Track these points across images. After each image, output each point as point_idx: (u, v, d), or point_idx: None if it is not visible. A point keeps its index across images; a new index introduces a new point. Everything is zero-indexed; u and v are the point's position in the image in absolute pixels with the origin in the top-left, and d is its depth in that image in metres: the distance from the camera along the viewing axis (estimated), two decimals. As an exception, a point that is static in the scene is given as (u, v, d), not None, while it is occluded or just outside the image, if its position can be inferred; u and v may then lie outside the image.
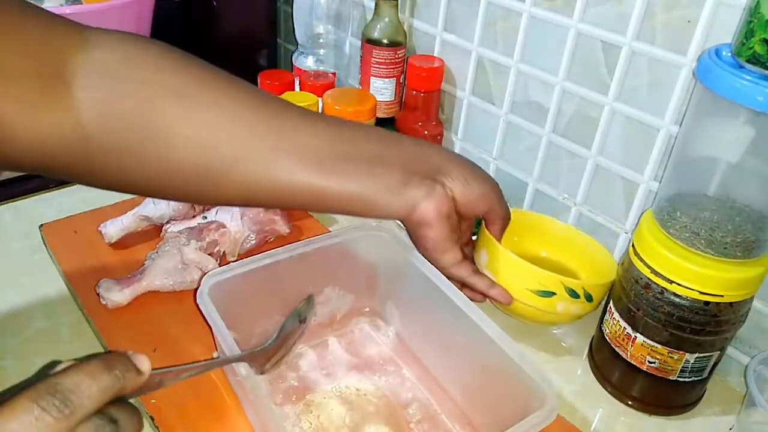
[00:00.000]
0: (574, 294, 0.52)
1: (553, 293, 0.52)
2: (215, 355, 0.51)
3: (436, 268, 0.47)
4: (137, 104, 0.38)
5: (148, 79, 0.39)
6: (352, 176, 0.43)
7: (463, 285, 0.50)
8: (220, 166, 0.40)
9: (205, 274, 0.48)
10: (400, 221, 0.47)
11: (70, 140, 0.37)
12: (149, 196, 0.41)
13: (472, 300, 0.45)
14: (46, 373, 0.28)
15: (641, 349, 0.49)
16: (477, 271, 0.51)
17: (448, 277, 0.47)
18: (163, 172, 0.40)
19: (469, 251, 0.53)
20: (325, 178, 0.43)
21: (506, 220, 0.53)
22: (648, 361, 0.49)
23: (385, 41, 0.72)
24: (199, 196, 0.43)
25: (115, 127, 0.38)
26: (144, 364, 0.31)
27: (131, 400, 0.31)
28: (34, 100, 0.35)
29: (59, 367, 0.28)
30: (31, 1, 0.37)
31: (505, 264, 0.52)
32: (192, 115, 0.39)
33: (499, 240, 0.53)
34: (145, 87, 0.39)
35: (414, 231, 0.47)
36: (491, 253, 0.53)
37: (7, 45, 0.34)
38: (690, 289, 0.45)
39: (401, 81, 0.74)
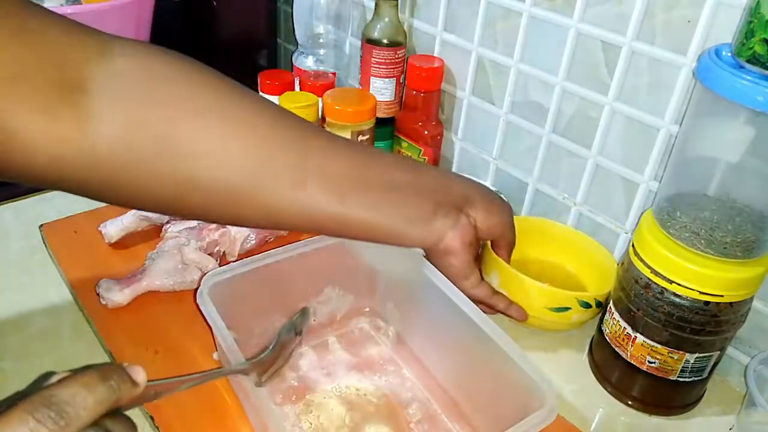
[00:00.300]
0: (587, 305, 0.54)
1: (568, 308, 0.54)
2: (215, 356, 0.51)
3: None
4: (162, 117, 0.37)
5: (174, 91, 0.38)
6: (380, 206, 0.43)
7: (479, 303, 0.51)
8: (243, 187, 0.39)
9: (205, 274, 0.48)
10: (424, 249, 0.48)
11: (89, 151, 0.35)
12: (165, 213, 0.40)
13: (485, 313, 0.46)
14: (41, 384, 0.27)
15: (641, 349, 0.49)
16: (495, 292, 0.52)
17: (469, 299, 0.47)
18: (184, 189, 0.38)
19: (477, 266, 0.54)
20: (352, 206, 0.42)
21: (513, 244, 0.55)
22: (648, 361, 0.49)
23: (385, 41, 0.72)
24: (219, 216, 0.42)
25: (138, 140, 0.37)
26: (139, 375, 0.31)
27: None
28: (53, 109, 0.34)
29: (54, 379, 0.28)
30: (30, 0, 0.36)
31: (519, 286, 0.54)
32: (219, 131, 0.38)
33: (507, 262, 0.55)
34: (171, 99, 0.38)
35: (439, 259, 0.48)
36: (503, 275, 0.54)
37: (27, 52, 0.33)
38: (690, 289, 0.45)
39: (401, 81, 0.74)
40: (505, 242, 0.54)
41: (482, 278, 0.51)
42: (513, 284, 0.54)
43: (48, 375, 0.29)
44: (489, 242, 0.55)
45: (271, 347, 0.44)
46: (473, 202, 0.49)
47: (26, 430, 0.25)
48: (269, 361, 0.43)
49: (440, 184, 0.48)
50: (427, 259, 0.49)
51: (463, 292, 0.47)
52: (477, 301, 0.49)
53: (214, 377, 0.39)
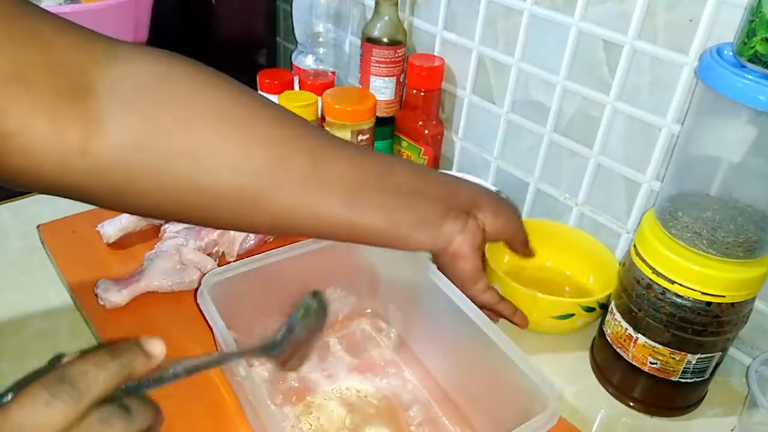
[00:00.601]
0: (591, 309, 0.54)
1: (572, 314, 0.54)
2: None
3: (466, 296, 0.47)
4: (174, 121, 0.36)
5: (186, 95, 0.37)
6: (389, 210, 0.43)
7: (484, 308, 0.51)
8: (254, 190, 0.39)
9: (204, 274, 0.47)
10: (433, 254, 0.48)
11: (96, 156, 0.35)
12: (174, 219, 0.39)
13: (490, 319, 0.46)
14: (53, 365, 0.29)
15: (643, 350, 0.49)
16: (502, 298, 0.52)
17: (476, 305, 0.47)
18: (194, 193, 0.38)
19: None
20: (362, 211, 0.42)
21: (527, 240, 0.55)
22: (650, 362, 0.49)
23: (385, 40, 0.72)
24: (227, 222, 0.41)
25: (147, 144, 0.36)
26: (156, 347, 0.32)
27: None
28: (57, 111, 0.33)
29: (66, 359, 0.30)
30: (28, 1, 0.36)
31: (522, 298, 0.54)
32: (231, 135, 0.38)
33: (531, 255, 0.54)
34: (183, 103, 0.37)
35: (448, 264, 0.48)
36: (506, 288, 0.55)
37: (27, 53, 0.33)
38: (692, 289, 0.45)
39: (401, 80, 0.74)
40: (519, 242, 0.53)
41: (491, 286, 0.51)
42: (515, 296, 0.54)
43: (59, 357, 0.30)
44: (488, 255, 0.55)
45: (281, 333, 0.42)
46: (481, 205, 0.49)
47: (42, 404, 0.27)
48: (287, 346, 0.41)
49: (448, 188, 0.48)
50: (436, 264, 0.49)
51: (471, 297, 0.47)
52: (484, 307, 0.48)
53: (233, 359, 0.39)
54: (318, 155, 0.41)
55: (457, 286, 0.48)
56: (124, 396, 0.30)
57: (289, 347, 0.41)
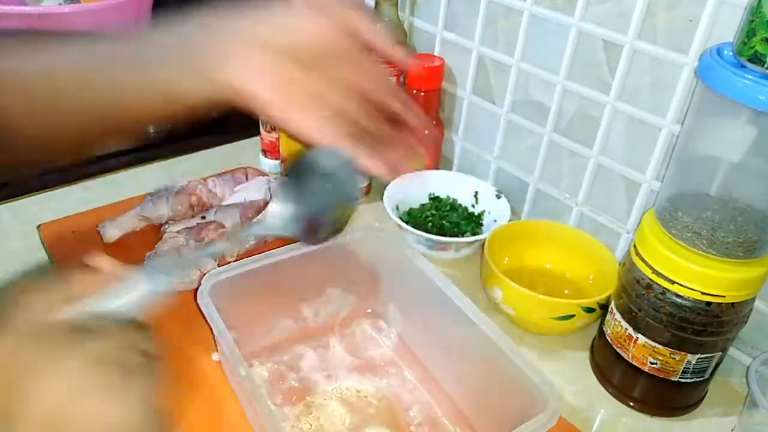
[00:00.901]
0: (591, 310, 0.54)
1: (573, 315, 0.54)
2: (215, 356, 0.51)
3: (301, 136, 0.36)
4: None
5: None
6: (136, 66, 0.37)
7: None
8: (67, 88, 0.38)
9: (204, 274, 0.47)
10: (223, 103, 0.37)
11: None
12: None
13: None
14: None
15: (643, 350, 0.49)
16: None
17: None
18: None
19: (423, 123, 0.41)
20: (101, 76, 0.38)
21: (373, 26, 0.38)
22: (650, 362, 0.49)
23: (385, 40, 0.72)
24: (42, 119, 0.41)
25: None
26: (98, 260, 0.31)
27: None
28: None
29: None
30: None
31: (522, 299, 0.54)
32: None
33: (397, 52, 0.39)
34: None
35: (257, 110, 0.36)
36: (506, 290, 0.55)
37: None
38: (692, 289, 0.45)
39: (401, 80, 0.74)
40: (370, 28, 0.38)
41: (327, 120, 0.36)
42: (516, 298, 0.54)
43: None
44: (488, 255, 0.54)
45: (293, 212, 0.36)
46: (252, 19, 0.37)
47: None
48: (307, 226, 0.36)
49: (198, 22, 0.40)
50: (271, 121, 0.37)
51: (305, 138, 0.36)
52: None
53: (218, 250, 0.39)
54: (55, 43, 0.40)
55: (291, 135, 0.37)
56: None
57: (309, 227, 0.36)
